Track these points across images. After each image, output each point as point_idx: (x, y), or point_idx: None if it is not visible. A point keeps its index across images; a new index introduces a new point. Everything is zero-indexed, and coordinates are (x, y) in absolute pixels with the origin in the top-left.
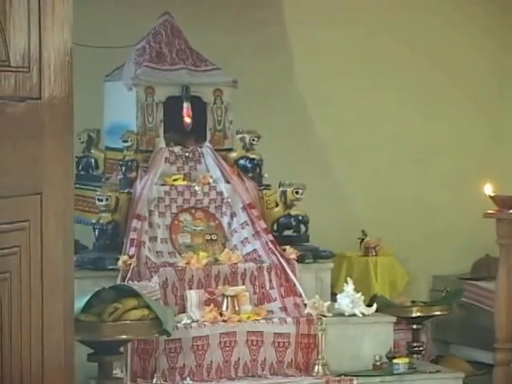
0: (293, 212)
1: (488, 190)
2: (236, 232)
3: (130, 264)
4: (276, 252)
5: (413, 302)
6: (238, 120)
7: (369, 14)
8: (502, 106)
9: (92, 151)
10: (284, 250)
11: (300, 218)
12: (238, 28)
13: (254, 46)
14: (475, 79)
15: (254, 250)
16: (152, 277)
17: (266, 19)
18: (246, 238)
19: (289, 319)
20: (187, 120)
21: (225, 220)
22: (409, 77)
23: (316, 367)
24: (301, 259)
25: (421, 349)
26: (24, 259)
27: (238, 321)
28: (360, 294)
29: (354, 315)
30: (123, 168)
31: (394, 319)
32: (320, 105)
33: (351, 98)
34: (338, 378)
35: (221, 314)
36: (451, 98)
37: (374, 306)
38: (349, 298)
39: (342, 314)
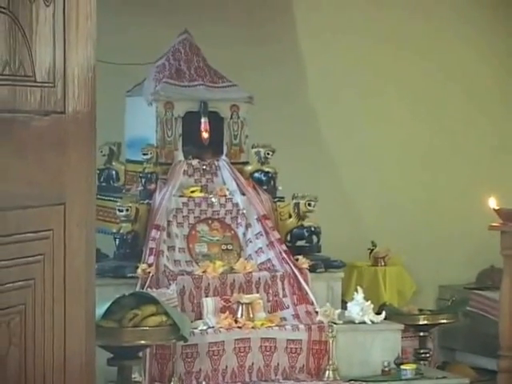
0: (305, 223)
1: (492, 203)
2: (251, 242)
3: (149, 272)
4: (289, 261)
5: (420, 310)
6: (254, 134)
7: (379, 25)
8: (508, 120)
9: (113, 164)
10: (297, 259)
11: (312, 229)
12: (252, 43)
13: (268, 60)
14: (483, 92)
15: (268, 259)
16: (170, 284)
17: (279, 33)
18: (261, 248)
19: (301, 326)
20: (205, 134)
21: (240, 230)
22: (418, 92)
23: (327, 372)
24: (313, 269)
25: (427, 355)
26: (47, 267)
27: (253, 327)
28: (369, 302)
29: (364, 323)
30: (143, 180)
31: (402, 327)
32: (331, 119)
33: (361, 112)
34: (347, 383)
35: (236, 321)
36: (459, 111)
37: (383, 313)
38: (359, 306)
39: (352, 322)
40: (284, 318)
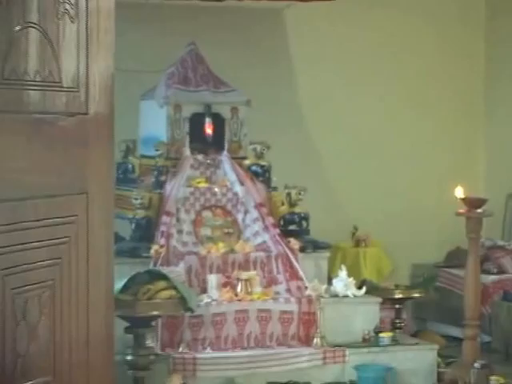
0: (296, 210)
1: (459, 192)
2: (249, 226)
3: (161, 252)
4: (282, 243)
5: (396, 285)
6: (251, 133)
7: (362, 31)
8: (475, 123)
9: (129, 158)
10: (288, 241)
11: (302, 215)
12: (251, 55)
13: (265, 70)
14: (454, 96)
15: (264, 241)
16: (179, 263)
17: (274, 47)
18: (257, 232)
19: (292, 299)
20: (209, 133)
21: (239, 216)
22: (400, 94)
23: (315, 339)
24: (302, 249)
25: (402, 325)
26: (73, 247)
27: (250, 300)
28: (352, 278)
29: (347, 296)
30: (155, 172)
31: (380, 300)
32: (319, 120)
33: (346, 113)
34: (333, 349)
35: (236, 295)
36: (434, 113)
37: (364, 288)
38: (342, 282)
39: (336, 295)
40: (277, 292)
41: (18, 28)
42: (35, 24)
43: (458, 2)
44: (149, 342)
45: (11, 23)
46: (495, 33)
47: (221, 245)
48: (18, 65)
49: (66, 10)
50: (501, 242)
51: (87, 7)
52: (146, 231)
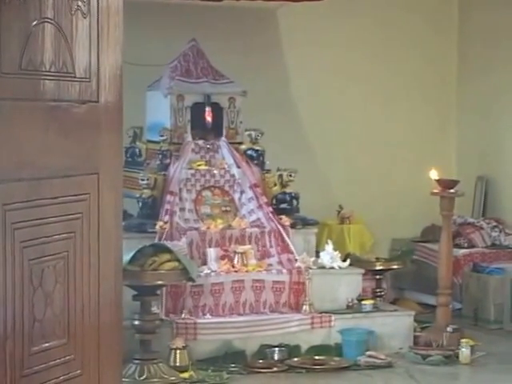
0: (287, 190)
1: (433, 174)
2: (244, 205)
3: (165, 228)
4: (274, 220)
5: (377, 258)
6: (247, 121)
7: (345, 39)
8: (446, 110)
9: (137, 143)
10: (280, 218)
11: (293, 194)
12: (247, 50)
13: (259, 63)
14: (426, 87)
15: (258, 218)
16: (181, 238)
17: (268, 43)
18: (252, 210)
19: (284, 270)
20: (208, 120)
21: (236, 196)
22: (379, 91)
23: (304, 307)
24: (293, 225)
25: (382, 293)
26: (85, 223)
27: (246, 271)
28: (337, 252)
29: (333, 268)
30: (160, 156)
31: (363, 271)
32: (308, 109)
33: (333, 104)
34: (320, 315)
35: (233, 266)
36: (410, 104)
37: (348, 261)
38: (329, 255)
39: (323, 267)
40: (270, 264)
41: (34, 23)
42: (50, 19)
43: None
44: (154, 309)
45: (28, 18)
46: (467, 23)
47: (219, 221)
48: (34, 56)
49: (79, 6)
50: (471, 220)
51: (98, 4)
52: (152, 209)
